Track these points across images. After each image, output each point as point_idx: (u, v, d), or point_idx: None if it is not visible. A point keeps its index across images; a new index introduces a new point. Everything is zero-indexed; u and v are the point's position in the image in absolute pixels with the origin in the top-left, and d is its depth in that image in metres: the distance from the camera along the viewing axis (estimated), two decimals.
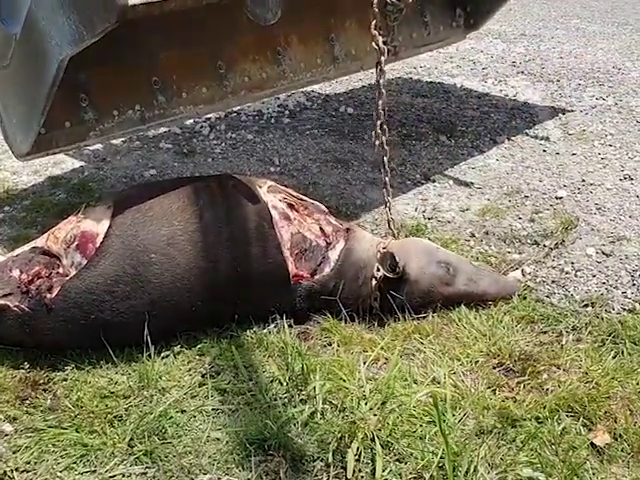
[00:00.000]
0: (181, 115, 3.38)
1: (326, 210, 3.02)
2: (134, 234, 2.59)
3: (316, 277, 2.77)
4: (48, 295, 2.53)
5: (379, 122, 3.00)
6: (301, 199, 2.96)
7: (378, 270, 2.78)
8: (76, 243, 2.61)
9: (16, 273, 2.60)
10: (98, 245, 2.57)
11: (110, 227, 2.60)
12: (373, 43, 2.96)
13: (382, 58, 2.97)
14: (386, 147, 3.04)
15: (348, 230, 2.93)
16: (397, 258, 2.73)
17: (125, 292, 2.55)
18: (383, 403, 2.34)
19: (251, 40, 3.58)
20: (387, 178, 3.09)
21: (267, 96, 3.91)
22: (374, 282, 2.79)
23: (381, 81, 3.00)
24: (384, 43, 2.97)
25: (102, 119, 3.10)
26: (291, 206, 2.86)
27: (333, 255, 2.82)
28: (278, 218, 2.77)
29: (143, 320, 2.54)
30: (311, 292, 2.77)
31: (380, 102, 2.99)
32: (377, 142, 3.02)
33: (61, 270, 2.61)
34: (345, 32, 4.03)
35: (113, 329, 2.56)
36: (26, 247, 2.71)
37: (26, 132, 2.82)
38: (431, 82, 5.97)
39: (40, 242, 2.70)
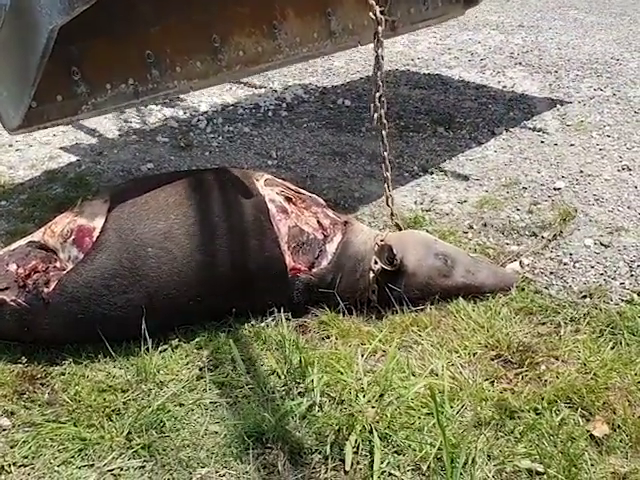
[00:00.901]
0: (175, 89, 3.32)
1: (324, 203, 3.01)
2: (131, 228, 2.58)
3: (314, 270, 2.76)
4: (45, 289, 2.52)
5: (378, 94, 2.96)
6: (299, 192, 2.95)
7: (376, 263, 2.77)
8: (73, 237, 2.60)
9: (13, 267, 2.59)
10: (95, 239, 2.57)
11: (107, 221, 2.59)
12: (370, 13, 2.92)
13: (379, 28, 2.93)
14: (384, 121, 3.01)
15: (346, 223, 2.92)
16: (395, 250, 2.73)
17: (122, 286, 2.54)
18: (381, 395, 2.34)
19: (246, 13, 3.52)
20: (386, 153, 3.06)
21: (262, 70, 3.84)
22: (372, 275, 2.78)
23: (379, 52, 2.97)
24: (381, 13, 2.93)
25: (94, 93, 3.05)
26: (288, 199, 2.85)
27: (331, 248, 2.81)
28: (275, 211, 2.76)
29: (140, 314, 2.53)
30: (309, 285, 2.76)
31: (379, 74, 2.95)
32: (376, 115, 2.99)
33: (58, 264, 2.60)
34: (342, 6, 3.98)
35: (111, 323, 2.56)
36: (23, 241, 2.70)
37: (17, 105, 2.77)
38: (429, 74, 5.95)
39: (37, 236, 2.69)
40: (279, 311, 2.75)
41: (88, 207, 2.70)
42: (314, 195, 3.05)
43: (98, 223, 2.60)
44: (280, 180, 2.98)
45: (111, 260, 2.54)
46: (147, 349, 2.55)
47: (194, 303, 2.64)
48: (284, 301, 2.77)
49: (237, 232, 2.69)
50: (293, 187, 2.97)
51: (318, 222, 2.86)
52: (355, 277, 2.80)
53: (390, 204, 3.08)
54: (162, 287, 2.58)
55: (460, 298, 2.85)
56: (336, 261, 2.79)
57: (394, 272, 2.75)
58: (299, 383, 2.43)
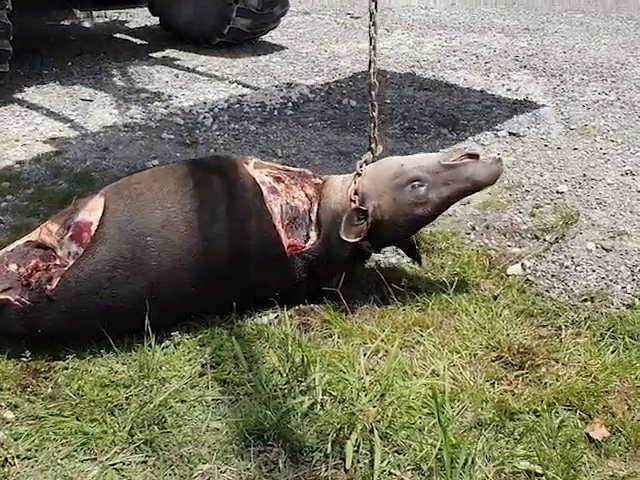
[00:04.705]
0: None
1: (311, 174, 3.02)
2: (128, 219, 2.59)
3: (307, 245, 2.79)
4: (48, 286, 2.53)
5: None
6: (287, 170, 2.97)
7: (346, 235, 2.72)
8: (71, 234, 2.60)
9: (14, 267, 2.59)
10: (93, 233, 2.57)
11: (104, 214, 2.60)
12: None
13: None
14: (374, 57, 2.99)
15: (323, 184, 2.92)
16: (365, 206, 2.72)
17: (124, 277, 2.55)
18: (382, 395, 2.35)
19: None
20: (374, 92, 3.01)
21: None
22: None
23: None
24: None
25: None
26: (277, 179, 2.87)
27: (313, 216, 2.83)
28: (267, 193, 2.78)
29: (144, 304, 2.54)
30: (307, 261, 2.80)
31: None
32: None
33: (58, 261, 2.60)
34: None
35: (115, 315, 2.57)
36: (20, 242, 2.70)
37: None
38: (434, 76, 5.96)
39: (34, 236, 2.70)
40: (282, 299, 2.79)
41: (84, 203, 2.71)
42: (303, 169, 3.07)
43: (95, 217, 2.60)
44: (267, 162, 3.02)
45: (112, 252, 2.55)
46: (150, 345, 2.56)
47: (197, 290, 2.65)
48: (287, 283, 2.80)
49: (233, 216, 2.71)
50: (281, 166, 3.01)
51: (305, 194, 2.88)
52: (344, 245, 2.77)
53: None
54: (164, 275, 2.59)
55: (462, 299, 2.86)
56: (322, 233, 2.80)
57: (373, 228, 2.73)
58: (301, 381, 2.44)
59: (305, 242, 2.81)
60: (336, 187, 2.88)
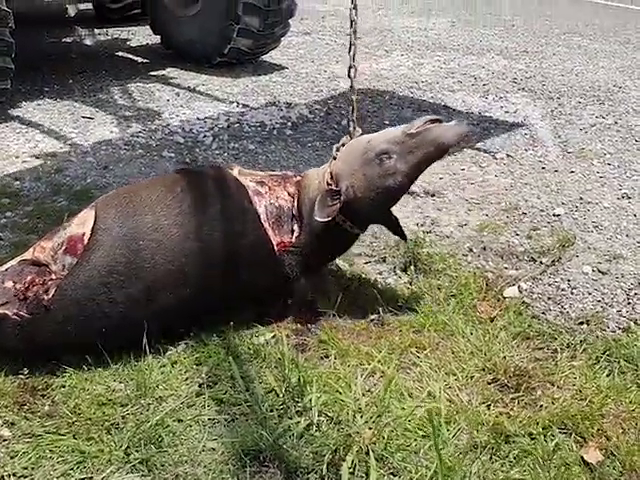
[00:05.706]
0: None
1: (292, 174, 3.07)
2: (120, 225, 2.63)
3: (294, 239, 2.83)
4: (45, 297, 2.54)
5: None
6: (269, 175, 3.03)
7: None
8: (64, 247, 2.63)
9: (9, 284, 2.60)
10: (86, 242, 2.60)
11: (95, 224, 2.63)
12: None
13: None
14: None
15: (303, 178, 2.97)
16: (338, 187, 2.76)
17: (120, 281, 2.58)
18: (378, 416, 2.36)
19: None
20: (352, 75, 3.11)
21: None
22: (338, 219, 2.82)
23: None
24: None
25: None
26: (261, 183, 2.91)
27: (295, 211, 2.88)
28: (251, 195, 2.83)
29: (141, 308, 2.58)
30: (297, 256, 2.83)
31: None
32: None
33: (54, 276, 2.61)
34: None
35: (113, 321, 2.58)
36: (13, 261, 2.73)
37: None
38: (432, 97, 6.00)
39: (27, 255, 2.72)
40: (278, 298, 2.87)
41: (75, 218, 2.75)
42: (285, 172, 3.13)
43: (87, 228, 2.64)
44: (250, 170, 3.07)
45: (106, 257, 2.58)
46: (147, 364, 2.57)
47: (192, 292, 2.67)
48: (279, 281, 2.84)
49: (221, 218, 2.75)
50: (262, 173, 3.06)
51: (287, 193, 2.92)
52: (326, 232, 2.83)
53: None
54: (159, 278, 2.62)
55: (459, 321, 2.88)
56: (304, 222, 2.84)
57: (350, 207, 2.78)
58: (297, 402, 2.45)
59: (291, 237, 2.85)
60: (313, 177, 2.95)
